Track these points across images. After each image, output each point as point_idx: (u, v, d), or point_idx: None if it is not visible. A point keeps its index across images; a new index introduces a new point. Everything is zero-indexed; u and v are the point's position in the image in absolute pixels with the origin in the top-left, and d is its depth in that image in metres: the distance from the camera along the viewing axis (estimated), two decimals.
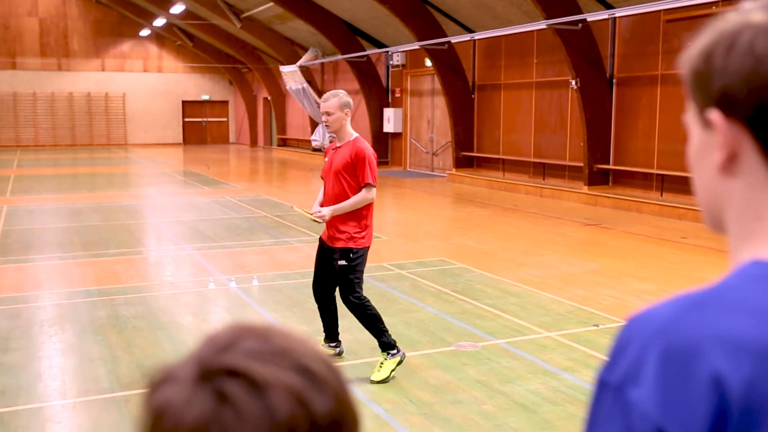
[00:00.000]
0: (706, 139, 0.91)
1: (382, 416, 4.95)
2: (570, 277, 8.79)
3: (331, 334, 6.04)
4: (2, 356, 6.03)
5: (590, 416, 0.84)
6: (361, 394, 5.26)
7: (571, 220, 13.24)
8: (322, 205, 5.65)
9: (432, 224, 13.20)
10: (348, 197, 5.48)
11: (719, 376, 0.77)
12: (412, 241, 11.32)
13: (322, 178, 5.77)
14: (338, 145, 5.61)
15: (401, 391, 5.33)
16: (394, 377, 5.52)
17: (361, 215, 5.53)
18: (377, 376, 5.46)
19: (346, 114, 5.52)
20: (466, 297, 7.87)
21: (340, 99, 5.50)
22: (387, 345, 5.55)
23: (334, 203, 5.52)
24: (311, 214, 5.57)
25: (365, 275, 8.60)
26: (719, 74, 0.87)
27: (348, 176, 5.48)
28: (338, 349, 6.08)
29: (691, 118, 0.93)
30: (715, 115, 0.88)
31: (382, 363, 5.51)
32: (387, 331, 5.59)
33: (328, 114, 5.51)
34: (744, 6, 0.90)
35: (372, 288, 8.17)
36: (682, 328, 0.80)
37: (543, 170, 18.07)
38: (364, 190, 5.47)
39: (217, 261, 9.79)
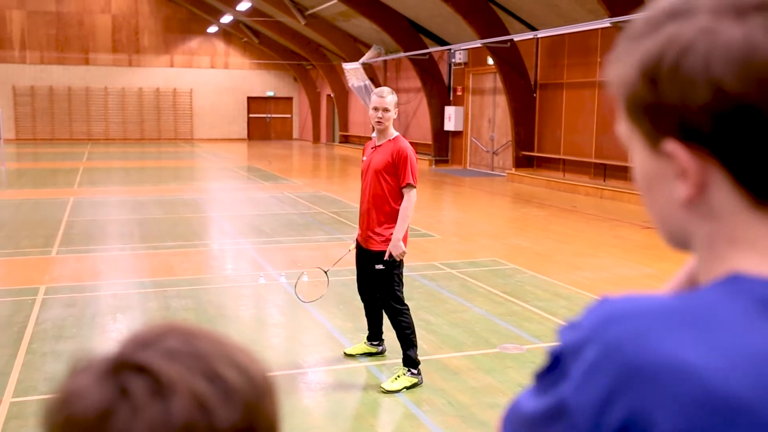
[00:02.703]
0: (660, 167, 0.80)
1: (419, 417, 4.91)
2: (624, 280, 8.60)
3: (375, 333, 6.01)
4: (55, 344, 6.21)
5: (546, 362, 0.81)
6: (400, 394, 5.24)
7: (630, 223, 12.95)
8: (360, 205, 5.63)
9: (487, 224, 13.08)
10: (386, 197, 5.38)
11: (642, 414, 0.71)
12: (465, 240, 11.24)
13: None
14: (378, 143, 5.50)
15: (440, 392, 5.28)
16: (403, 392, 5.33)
17: (397, 218, 5.43)
18: (389, 385, 5.29)
19: (396, 113, 5.47)
20: (515, 298, 7.77)
21: (394, 96, 5.43)
22: (411, 361, 5.38)
23: (372, 203, 5.45)
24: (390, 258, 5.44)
25: (414, 273, 8.63)
26: (673, 101, 0.74)
27: (388, 176, 5.37)
28: (381, 348, 6.05)
29: (629, 136, 0.83)
30: (674, 147, 0.76)
31: (398, 376, 5.35)
32: (416, 346, 5.42)
33: (386, 110, 5.35)
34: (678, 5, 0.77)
35: (421, 287, 8.14)
36: (624, 335, 0.74)
37: (604, 171, 17.73)
38: (405, 193, 5.36)
39: (270, 256, 9.89)
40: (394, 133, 5.49)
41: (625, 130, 0.83)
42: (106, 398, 0.69)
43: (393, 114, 5.41)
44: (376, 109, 5.39)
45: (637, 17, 0.81)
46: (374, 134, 5.58)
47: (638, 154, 0.83)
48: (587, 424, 0.74)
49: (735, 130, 0.72)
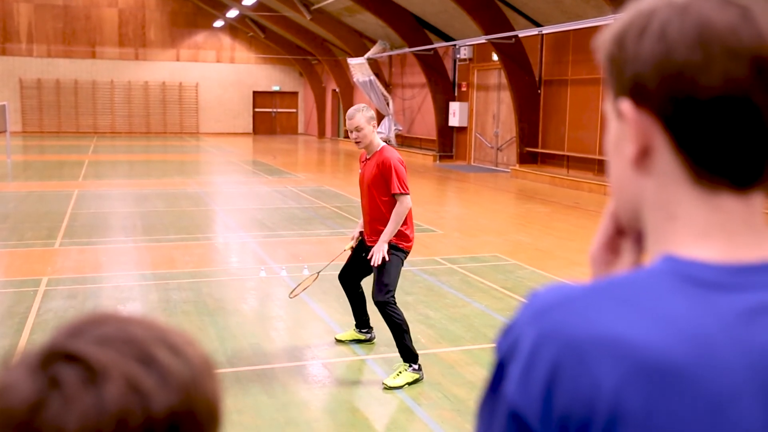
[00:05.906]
0: (620, 130, 0.85)
1: (415, 411, 4.94)
2: None
3: (361, 320, 6.16)
4: None
5: (488, 377, 0.84)
6: (397, 389, 5.26)
7: None
8: (362, 215, 5.74)
9: (490, 220, 13.09)
10: (380, 209, 5.49)
11: (596, 381, 0.74)
12: (467, 236, 11.25)
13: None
14: (368, 156, 5.62)
15: (437, 386, 5.31)
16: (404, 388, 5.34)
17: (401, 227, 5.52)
18: (391, 381, 5.30)
19: (373, 126, 5.51)
20: (514, 294, 7.80)
21: (365, 113, 5.46)
22: (410, 355, 5.38)
23: (370, 215, 5.58)
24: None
25: (415, 268, 8.65)
26: (631, 61, 0.81)
27: (378, 189, 5.47)
28: (369, 335, 6.20)
29: (608, 107, 0.88)
30: (626, 105, 0.82)
31: (400, 372, 5.36)
32: (410, 336, 5.42)
33: (357, 130, 5.45)
34: None
35: (421, 281, 8.16)
36: (561, 318, 0.77)
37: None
38: (397, 200, 5.42)
39: (271, 250, 9.92)
40: (379, 144, 5.58)
41: (606, 105, 0.89)
42: (36, 390, 0.68)
43: (368, 129, 5.47)
44: (350, 131, 5.54)
45: None
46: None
47: (611, 125, 0.88)
48: (537, 409, 0.76)
49: (676, 91, 0.78)
